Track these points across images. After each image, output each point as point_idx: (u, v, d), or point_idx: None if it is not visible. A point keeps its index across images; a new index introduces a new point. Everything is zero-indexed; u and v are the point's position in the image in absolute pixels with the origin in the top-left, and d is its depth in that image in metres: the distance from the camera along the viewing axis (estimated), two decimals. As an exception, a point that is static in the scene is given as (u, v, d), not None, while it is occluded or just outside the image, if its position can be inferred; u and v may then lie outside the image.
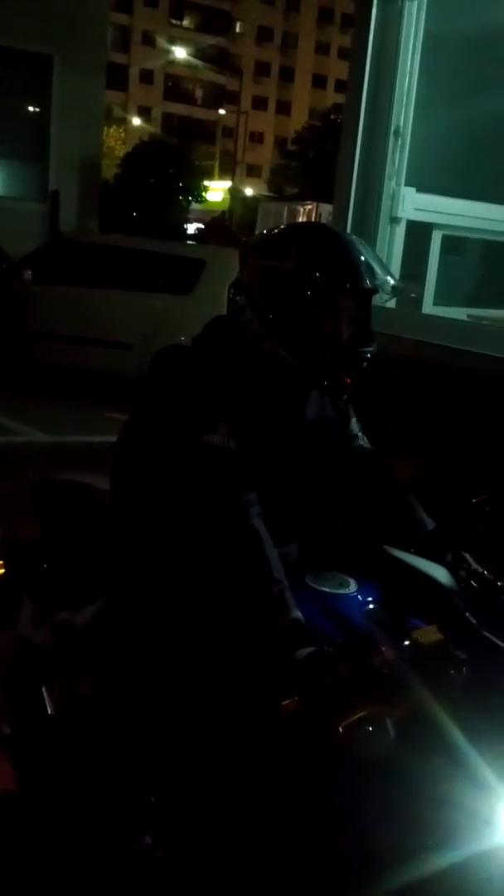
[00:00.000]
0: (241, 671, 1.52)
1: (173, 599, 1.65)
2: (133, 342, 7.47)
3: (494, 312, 3.82)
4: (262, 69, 58.01)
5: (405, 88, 3.23)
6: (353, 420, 1.98)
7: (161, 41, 50.69)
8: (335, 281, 1.65)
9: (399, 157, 3.44)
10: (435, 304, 3.90)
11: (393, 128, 3.20)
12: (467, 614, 1.40)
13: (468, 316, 3.81)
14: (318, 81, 58.97)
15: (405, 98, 3.35)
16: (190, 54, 47.56)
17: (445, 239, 3.81)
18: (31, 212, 11.02)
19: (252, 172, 50.51)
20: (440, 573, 1.44)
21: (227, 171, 43.78)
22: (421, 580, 1.42)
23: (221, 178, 41.97)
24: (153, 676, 1.67)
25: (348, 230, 3.24)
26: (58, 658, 2.03)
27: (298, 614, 1.48)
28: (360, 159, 3.21)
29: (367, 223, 3.26)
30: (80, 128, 11.73)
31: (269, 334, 1.69)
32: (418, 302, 3.86)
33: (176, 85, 56.18)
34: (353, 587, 1.74)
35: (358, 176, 3.22)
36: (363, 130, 3.19)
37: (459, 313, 3.80)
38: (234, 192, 34.71)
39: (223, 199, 34.44)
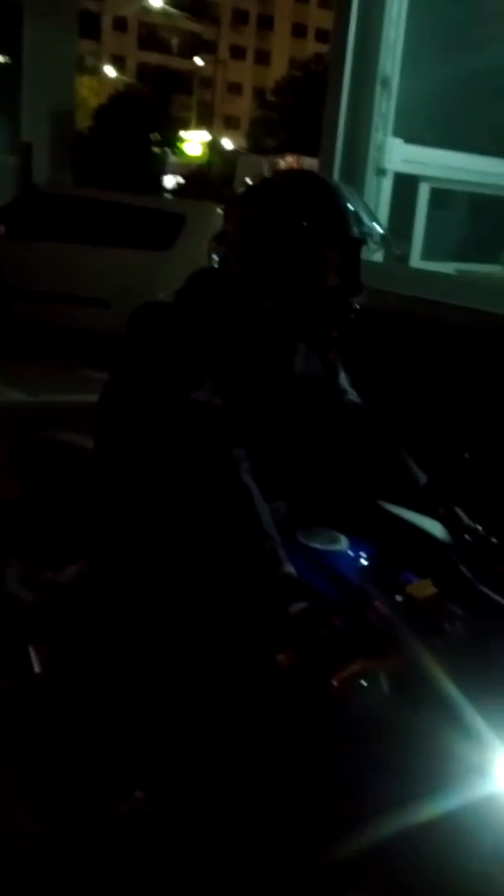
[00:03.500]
0: (234, 626, 1.51)
1: (161, 558, 1.63)
2: (109, 299, 7.34)
3: (482, 267, 3.78)
4: (240, 17, 56.56)
5: (392, 36, 3.15)
6: (342, 375, 1.95)
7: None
8: (320, 227, 1.61)
9: (386, 108, 3.37)
10: (423, 258, 3.85)
11: (380, 77, 3.12)
12: (462, 568, 1.39)
13: (456, 271, 3.77)
14: (299, 30, 57.62)
15: (393, 46, 3.27)
16: (165, 2, 46.26)
17: (433, 192, 3.75)
18: (2, 165, 10.73)
19: (231, 124, 49.55)
20: (435, 527, 1.43)
21: (204, 122, 42.92)
22: (415, 535, 1.41)
23: (200, 129, 41.09)
24: (141, 635, 1.66)
25: (335, 181, 3.18)
26: (44, 617, 2.01)
27: (291, 569, 1.47)
28: (346, 109, 3.13)
29: (354, 175, 3.19)
30: (53, 78, 11.37)
31: (252, 284, 1.65)
32: (405, 257, 3.82)
33: (151, 33, 54.69)
34: (344, 543, 1.73)
35: (344, 126, 3.15)
36: (349, 79, 3.11)
37: (447, 269, 3.75)
38: (213, 145, 34.10)
39: (201, 152, 33.80)
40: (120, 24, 53.89)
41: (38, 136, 11.39)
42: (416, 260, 3.79)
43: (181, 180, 24.38)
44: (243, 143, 39.76)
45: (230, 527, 1.51)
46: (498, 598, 1.37)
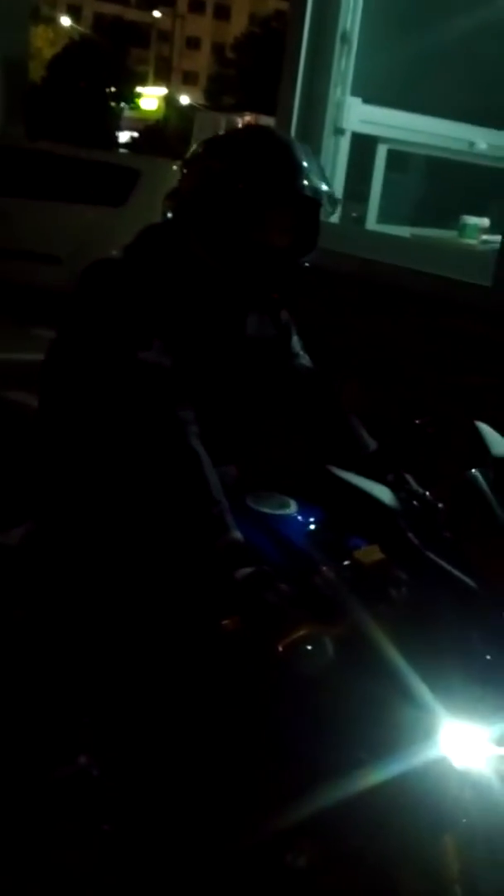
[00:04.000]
0: (180, 591, 1.49)
1: (107, 520, 1.60)
2: (62, 255, 7.17)
3: (437, 233, 3.76)
4: (201, -30, 55.16)
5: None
6: (295, 338, 1.91)
7: None
8: (261, 183, 1.55)
9: (346, 65, 3.29)
10: (378, 222, 3.81)
11: (340, 31, 3.04)
12: (409, 534, 1.38)
13: (411, 235, 3.74)
14: (259, -15, 56.45)
15: (353, 1, 3.18)
16: None
17: (391, 155, 3.70)
18: None
19: (189, 80, 48.49)
20: (383, 493, 1.42)
21: (162, 77, 41.89)
22: (363, 500, 1.39)
23: (157, 84, 40.16)
24: (87, 597, 1.63)
25: (292, 140, 3.10)
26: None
27: (238, 535, 1.45)
28: (304, 65, 3.04)
29: (312, 134, 3.11)
30: (4, 27, 10.92)
31: (198, 241, 1.61)
32: (360, 220, 3.77)
33: (108, -18, 53.02)
34: (293, 508, 1.72)
35: (302, 84, 3.06)
36: (308, 34, 3.01)
37: (402, 232, 3.72)
38: (170, 100, 33.37)
39: (158, 107, 33.04)
40: (76, -28, 52.10)
41: (-13, 88, 10.97)
42: (371, 223, 3.74)
43: (135, 135, 23.79)
44: (202, 99, 39.01)
45: (177, 491, 1.48)
46: (444, 564, 1.36)
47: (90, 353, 1.59)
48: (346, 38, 3.05)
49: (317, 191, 1.58)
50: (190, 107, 33.58)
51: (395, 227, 3.76)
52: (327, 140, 3.22)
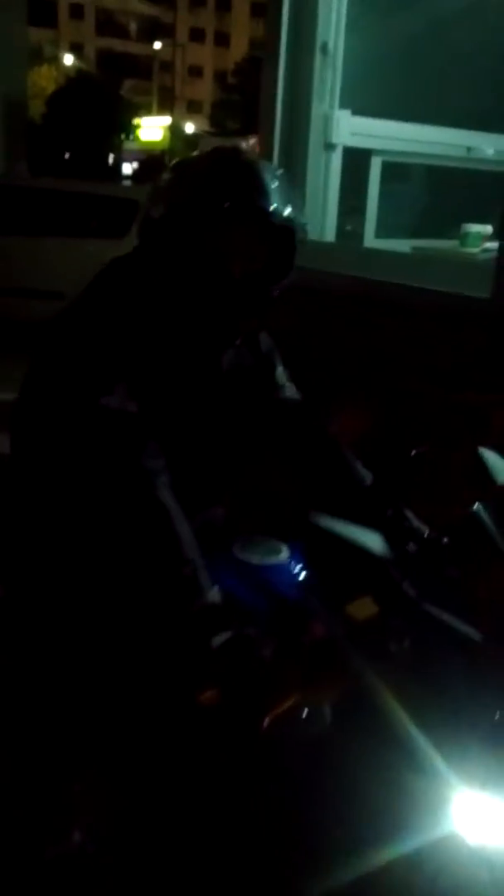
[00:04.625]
0: (155, 662, 1.34)
1: (77, 586, 1.46)
2: (64, 290, 7.11)
3: (438, 243, 3.62)
4: (198, -1, 55.86)
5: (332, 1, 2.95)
6: (280, 368, 1.78)
7: (89, -28, 48.44)
8: (219, 202, 1.42)
9: (332, 78, 3.18)
10: (377, 237, 3.67)
11: (319, 43, 2.92)
12: (404, 585, 1.24)
13: (412, 248, 3.60)
14: (258, 9, 56.82)
15: (333, 10, 3.07)
16: (121, -15, 45.54)
17: (386, 166, 3.57)
18: (-48, 157, 10.40)
19: (193, 108, 48.98)
20: (373, 541, 1.27)
21: (166, 107, 42.34)
22: (351, 549, 1.25)
23: (161, 114, 40.57)
24: (61, 665, 1.49)
25: (275, 158, 2.98)
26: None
27: (215, 596, 1.30)
28: (284, 79, 2.92)
29: (296, 150, 2.99)
30: (3, 67, 11.05)
31: (160, 271, 1.49)
32: (357, 234, 3.64)
33: (108, 19, 53.79)
34: (284, 554, 1.58)
35: (283, 98, 2.94)
36: (286, 47, 2.90)
37: (402, 246, 3.58)
38: (174, 129, 33.64)
39: (163, 137, 33.31)
40: (76, 11, 53.00)
41: (-12, 128, 11.07)
42: (369, 237, 3.61)
43: (136, 166, 23.87)
44: (206, 126, 39.33)
45: (145, 550, 1.34)
46: (443, 616, 1.22)
47: (51, 400, 1.47)
48: (325, 49, 2.93)
49: (280, 214, 1.45)
50: (195, 135, 33.88)
51: (395, 241, 3.63)
52: (315, 155, 3.10)
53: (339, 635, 1.28)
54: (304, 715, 1.23)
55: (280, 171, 1.55)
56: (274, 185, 1.47)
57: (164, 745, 1.34)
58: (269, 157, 2.96)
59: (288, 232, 1.51)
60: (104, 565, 1.39)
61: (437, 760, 1.21)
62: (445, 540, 1.50)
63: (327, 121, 3.20)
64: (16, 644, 1.59)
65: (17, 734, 1.64)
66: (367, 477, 1.68)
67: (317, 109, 3.02)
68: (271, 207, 1.45)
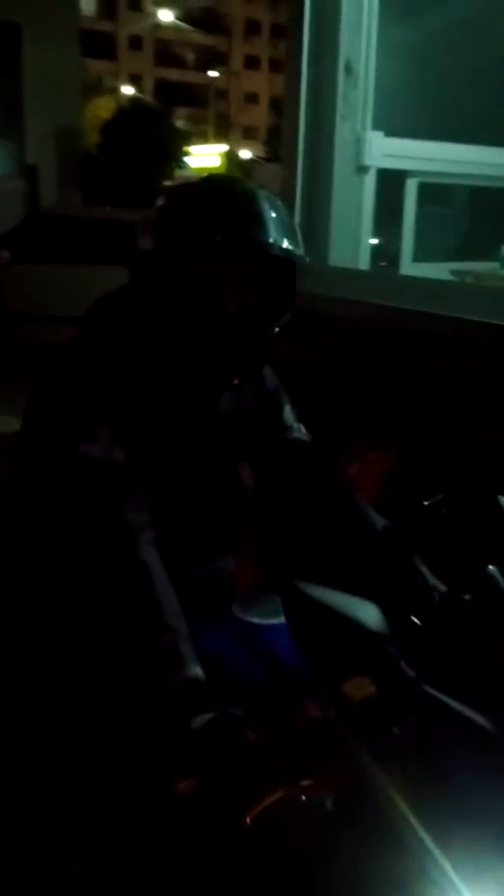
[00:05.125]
0: (131, 746, 1.22)
1: (55, 653, 1.36)
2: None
3: (478, 266, 3.46)
4: (253, 27, 56.48)
5: (353, 18, 2.83)
6: (287, 408, 1.66)
7: (147, 5, 49.46)
8: (201, 234, 1.32)
9: (362, 99, 3.06)
10: (414, 261, 3.53)
11: (342, 62, 2.81)
12: (402, 664, 1.09)
13: (451, 272, 3.45)
14: (312, 36, 57.29)
15: (362, 30, 2.96)
16: (177, 17, 46.41)
17: (422, 187, 3.43)
18: (8, 189, 10.65)
19: (248, 134, 49.41)
20: (367, 613, 1.12)
21: (223, 134, 42.83)
22: (345, 624, 1.11)
23: (218, 142, 41.03)
24: (40, 733, 1.38)
25: (298, 182, 2.87)
26: None
27: (197, 670, 1.17)
28: (306, 100, 2.81)
29: (321, 173, 2.87)
30: (56, 98, 11.31)
31: (146, 308, 1.39)
32: (394, 259, 3.51)
33: (166, 50, 54.84)
34: (286, 614, 1.45)
35: (306, 119, 2.83)
36: (307, 66, 2.79)
37: (441, 269, 3.43)
38: (231, 156, 33.92)
39: (220, 164, 33.63)
40: (135, 43, 54.17)
41: (44, 158, 11.33)
42: (406, 262, 3.47)
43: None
44: (262, 152, 39.58)
45: (121, 617, 1.22)
46: (446, 699, 1.07)
47: (31, 446, 1.38)
48: (350, 69, 2.81)
49: (277, 245, 1.33)
50: (251, 160, 34.09)
51: (433, 265, 3.48)
52: (344, 178, 2.97)
53: (335, 715, 1.14)
54: (299, 806, 1.09)
55: (278, 200, 1.44)
56: (271, 214, 1.36)
57: (141, 834, 1.21)
58: (293, 181, 2.84)
59: (286, 265, 1.39)
60: (81, 625, 1.28)
61: (446, 867, 1.05)
62: (468, 597, 1.35)
63: (358, 142, 3.09)
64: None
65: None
66: (380, 522, 1.54)
67: (342, 131, 2.90)
68: (267, 239, 1.34)
